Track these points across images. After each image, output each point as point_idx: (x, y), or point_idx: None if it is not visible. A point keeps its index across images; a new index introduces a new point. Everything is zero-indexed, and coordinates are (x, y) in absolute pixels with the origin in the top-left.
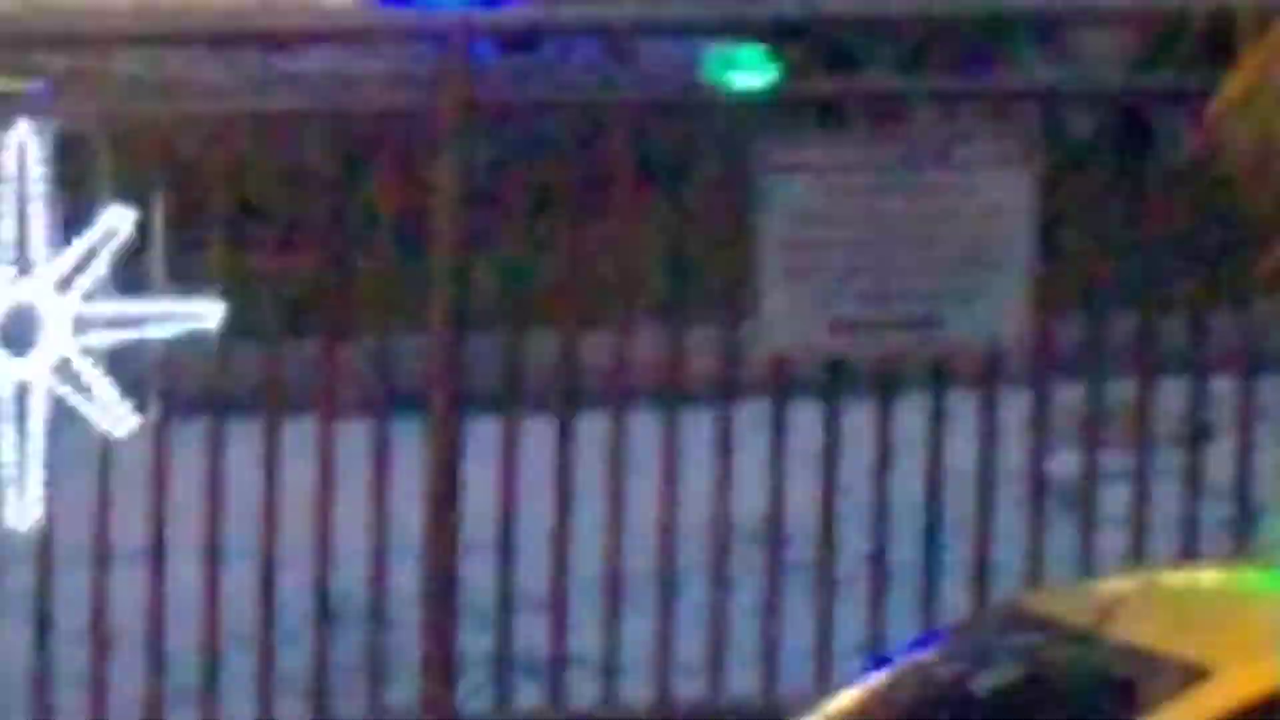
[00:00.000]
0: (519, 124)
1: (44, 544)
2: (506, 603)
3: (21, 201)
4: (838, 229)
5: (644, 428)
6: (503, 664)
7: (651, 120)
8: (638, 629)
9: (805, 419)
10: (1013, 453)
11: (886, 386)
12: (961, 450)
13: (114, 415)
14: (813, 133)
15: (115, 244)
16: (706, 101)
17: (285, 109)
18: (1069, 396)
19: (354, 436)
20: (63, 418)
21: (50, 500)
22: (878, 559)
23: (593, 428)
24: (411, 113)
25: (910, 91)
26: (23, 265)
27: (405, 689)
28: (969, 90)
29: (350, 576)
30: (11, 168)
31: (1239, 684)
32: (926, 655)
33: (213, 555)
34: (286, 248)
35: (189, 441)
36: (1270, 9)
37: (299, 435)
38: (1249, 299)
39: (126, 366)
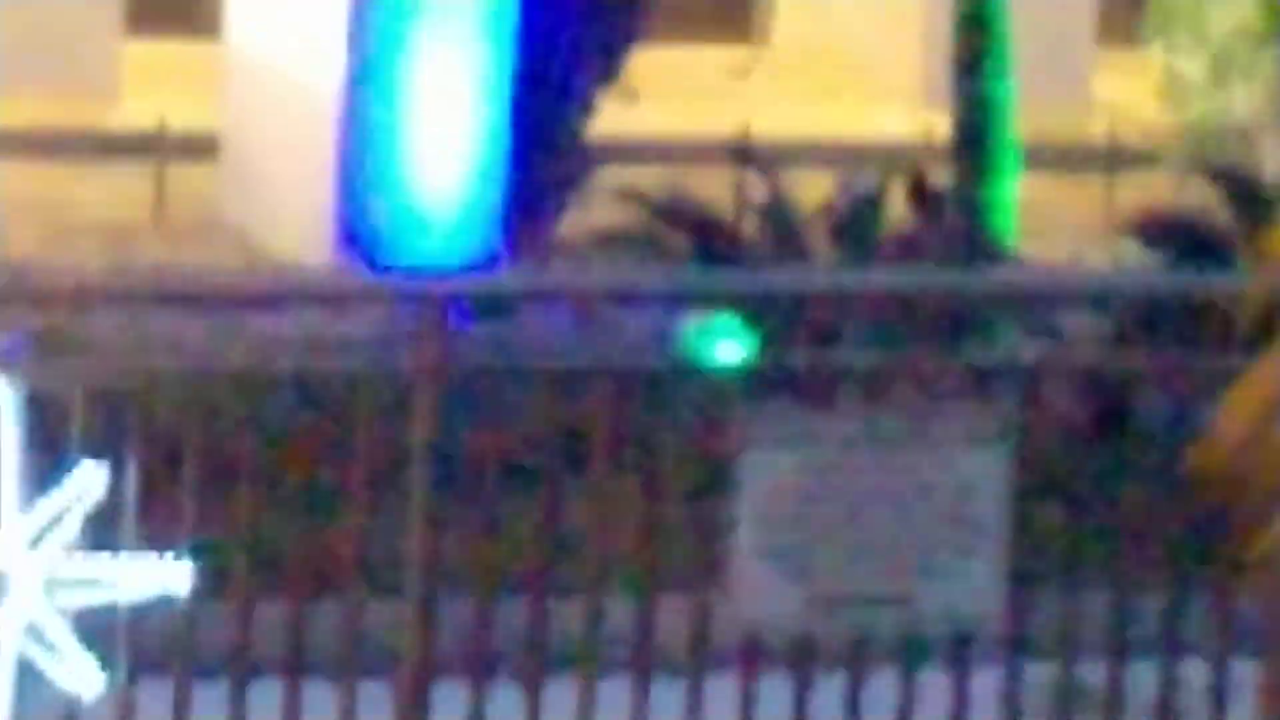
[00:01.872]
0: (494, 389)
1: None
2: None
3: None
4: (812, 504)
5: (614, 698)
6: None
7: (627, 389)
8: None
9: (775, 693)
10: None
11: (858, 662)
12: None
13: (81, 677)
14: (789, 406)
15: (87, 503)
16: (683, 372)
17: (260, 369)
18: (1041, 674)
19: (322, 700)
20: (30, 679)
21: None
22: None
23: (562, 697)
24: (387, 375)
25: (888, 366)
26: None
27: None
28: (947, 366)
29: None
30: None
31: None
32: None
33: None
34: (260, 508)
35: (155, 703)
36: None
37: (267, 698)
38: (1222, 582)
39: (94, 625)
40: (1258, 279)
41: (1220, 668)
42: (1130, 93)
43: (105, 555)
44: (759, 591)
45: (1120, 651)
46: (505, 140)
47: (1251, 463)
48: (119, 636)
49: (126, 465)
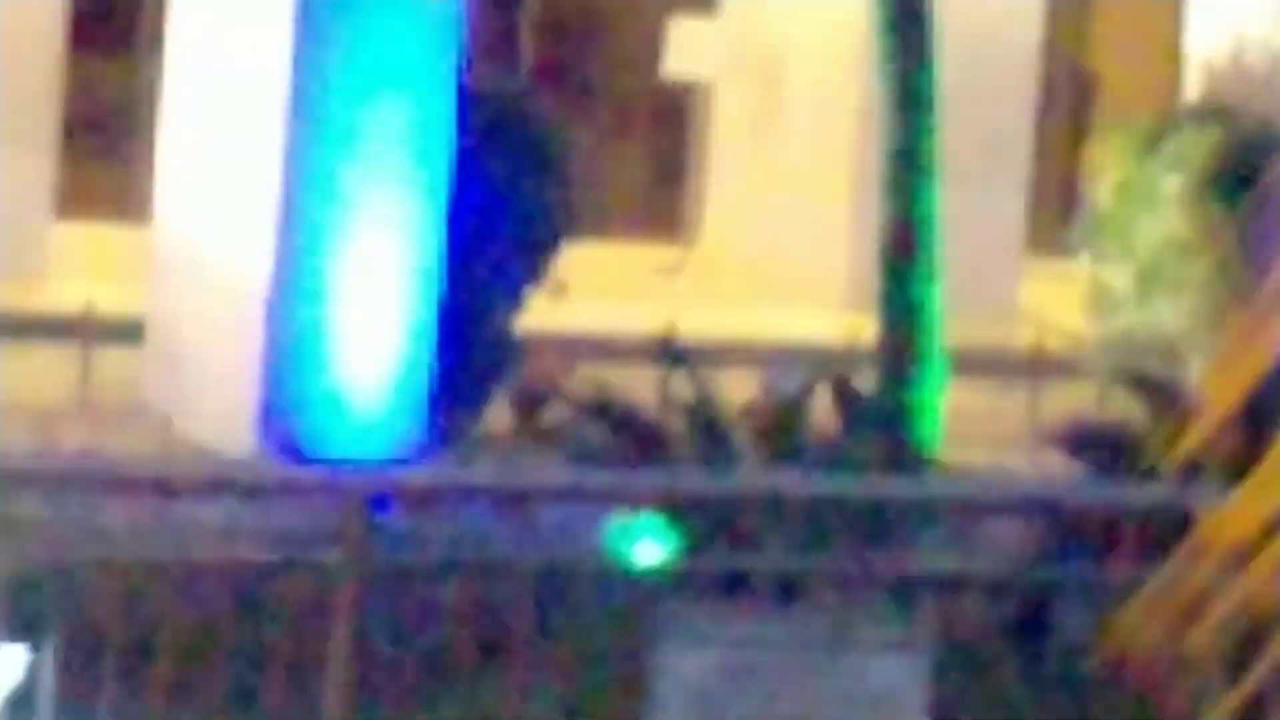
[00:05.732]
0: (416, 583)
1: None
2: None
3: None
4: (730, 705)
5: None
6: None
7: (548, 586)
8: None
9: None
10: None
11: None
12: None
13: None
14: (709, 607)
15: (7, 685)
16: (604, 570)
17: (182, 558)
18: None
19: None
20: None
21: None
22: None
23: None
24: (308, 568)
25: (808, 571)
26: None
27: None
28: (866, 573)
29: None
30: None
31: None
32: None
33: None
34: (178, 698)
35: None
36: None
37: None
38: None
39: None
40: (1170, 490)
41: None
42: (1057, 302)
43: None
44: None
45: None
46: (432, 332)
47: (1167, 666)
48: None
49: (46, 649)
